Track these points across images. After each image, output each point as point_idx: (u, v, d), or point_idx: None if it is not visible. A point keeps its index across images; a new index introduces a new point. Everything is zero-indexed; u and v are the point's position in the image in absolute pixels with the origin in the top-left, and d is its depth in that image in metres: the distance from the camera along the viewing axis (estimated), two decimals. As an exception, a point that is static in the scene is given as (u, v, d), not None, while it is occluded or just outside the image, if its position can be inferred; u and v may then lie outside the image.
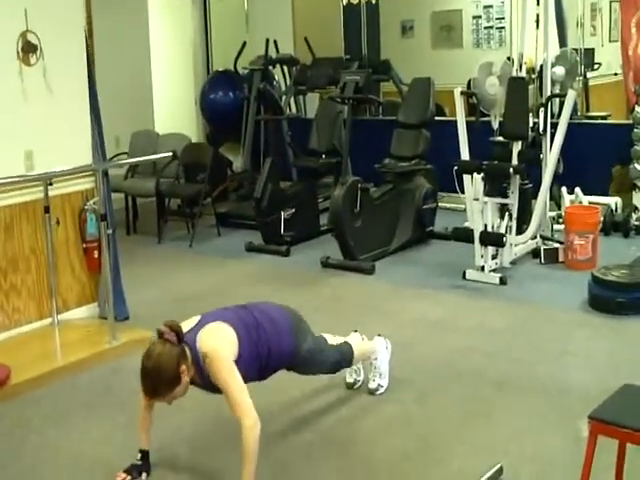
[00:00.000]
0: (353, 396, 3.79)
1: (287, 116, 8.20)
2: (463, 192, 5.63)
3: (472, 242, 5.45)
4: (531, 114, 5.85)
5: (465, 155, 5.70)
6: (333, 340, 3.62)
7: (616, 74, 7.99)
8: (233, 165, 8.50)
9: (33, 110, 4.60)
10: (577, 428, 3.19)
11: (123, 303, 4.93)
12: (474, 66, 5.98)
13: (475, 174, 5.44)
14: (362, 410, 3.67)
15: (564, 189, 6.62)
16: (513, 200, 5.57)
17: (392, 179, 6.44)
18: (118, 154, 7.49)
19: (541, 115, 5.98)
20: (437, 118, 6.71)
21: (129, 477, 3.09)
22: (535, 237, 5.92)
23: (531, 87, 6.53)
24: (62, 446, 3.45)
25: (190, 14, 9.86)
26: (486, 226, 5.46)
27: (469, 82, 6.32)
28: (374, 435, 3.44)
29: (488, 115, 6.04)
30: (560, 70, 6.91)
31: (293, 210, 6.56)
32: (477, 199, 5.44)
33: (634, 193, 6.51)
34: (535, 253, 5.88)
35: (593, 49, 8.50)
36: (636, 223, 6.43)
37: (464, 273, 5.48)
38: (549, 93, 6.16)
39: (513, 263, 5.68)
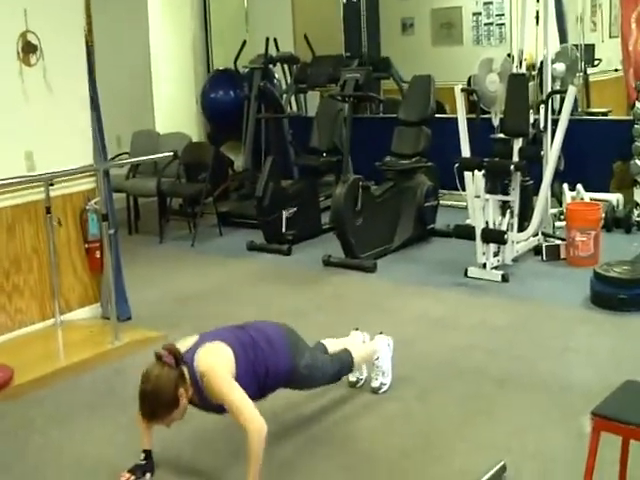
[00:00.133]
0: (356, 394, 3.79)
1: (288, 114, 8.19)
2: (464, 189, 5.63)
3: (474, 239, 5.45)
4: (532, 111, 5.84)
5: (466, 152, 5.70)
6: (333, 346, 3.63)
7: (617, 70, 7.97)
8: (234, 164, 8.50)
9: (33, 110, 4.61)
10: (580, 424, 3.18)
11: (125, 303, 4.94)
12: (474, 63, 5.96)
13: (476, 171, 5.43)
14: (364, 408, 3.67)
15: (565, 186, 6.61)
16: (514, 197, 5.57)
17: (393, 177, 6.44)
18: (119, 154, 7.50)
19: (542, 112, 5.97)
20: (438, 115, 6.71)
21: (133, 477, 3.10)
22: (537, 234, 5.91)
23: (531, 84, 6.53)
24: (65, 446, 3.46)
25: (190, 13, 9.85)
26: (487, 223, 5.46)
27: (469, 79, 6.33)
28: (376, 433, 3.44)
29: (489, 112, 6.03)
30: (560, 66, 6.91)
31: (294, 209, 6.56)
32: (478, 196, 5.44)
33: (635, 189, 6.50)
34: (537, 250, 5.87)
35: (593, 45, 8.48)
36: (638, 219, 6.43)
37: (466, 270, 5.48)
38: (549, 89, 6.14)
39: (515, 260, 5.68)
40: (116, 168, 6.09)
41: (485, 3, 9.16)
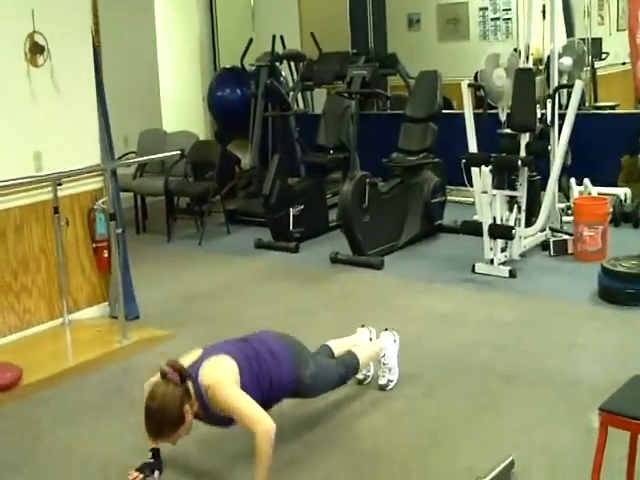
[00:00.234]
0: (363, 391, 3.79)
1: (294, 112, 8.19)
2: (471, 185, 5.62)
3: (481, 235, 5.44)
4: (539, 105, 5.82)
5: (473, 148, 5.69)
6: (339, 347, 3.64)
7: (624, 63, 7.93)
8: (241, 162, 8.52)
9: (41, 111, 4.63)
10: (587, 420, 3.19)
11: (133, 302, 4.95)
12: (481, 58, 5.95)
13: (483, 167, 5.43)
14: (371, 405, 3.67)
15: (573, 180, 6.60)
16: (522, 192, 5.56)
17: (400, 173, 6.43)
18: (126, 153, 7.51)
19: (549, 106, 5.95)
20: (444, 111, 6.70)
21: (141, 475, 3.10)
22: (544, 229, 5.90)
23: (538, 78, 6.50)
24: (73, 446, 3.47)
25: (196, 12, 9.88)
26: (495, 219, 5.45)
27: (476, 74, 6.30)
28: (383, 430, 3.45)
29: (495, 107, 6.01)
30: (567, 60, 6.89)
31: (302, 206, 6.56)
32: (486, 192, 5.43)
33: (643, 183, 6.50)
34: (544, 245, 5.86)
35: (601, 39, 8.43)
36: (646, 213, 6.41)
37: (473, 266, 5.47)
38: (556, 84, 6.12)
39: (522, 256, 5.66)
40: (123, 167, 6.10)
41: (491, -2, 9.14)
